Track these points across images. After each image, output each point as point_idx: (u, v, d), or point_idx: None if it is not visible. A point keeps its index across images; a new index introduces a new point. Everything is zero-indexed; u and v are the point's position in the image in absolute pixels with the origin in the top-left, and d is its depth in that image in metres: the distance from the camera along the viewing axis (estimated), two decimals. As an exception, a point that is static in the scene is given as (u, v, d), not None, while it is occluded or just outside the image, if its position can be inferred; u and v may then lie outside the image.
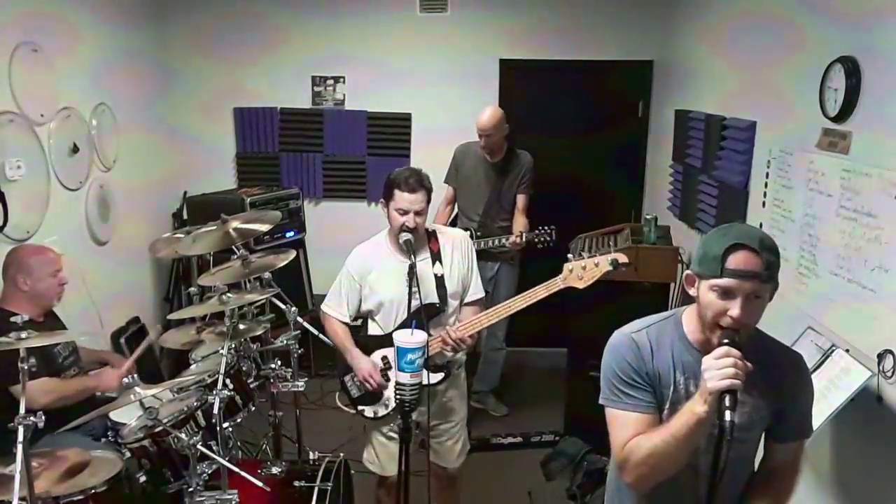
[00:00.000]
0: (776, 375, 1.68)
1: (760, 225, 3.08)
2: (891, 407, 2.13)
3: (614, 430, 1.73)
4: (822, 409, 2.20)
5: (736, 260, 1.52)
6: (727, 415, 1.43)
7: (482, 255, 4.06)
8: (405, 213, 2.65)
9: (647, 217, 3.98)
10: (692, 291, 1.65)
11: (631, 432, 1.67)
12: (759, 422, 1.69)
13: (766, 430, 1.76)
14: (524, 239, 4.11)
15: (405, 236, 2.65)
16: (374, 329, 2.85)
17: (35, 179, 3.49)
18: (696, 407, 1.51)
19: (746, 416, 1.65)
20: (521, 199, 4.32)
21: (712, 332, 1.58)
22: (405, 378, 2.13)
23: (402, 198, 2.64)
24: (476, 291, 2.88)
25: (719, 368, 1.45)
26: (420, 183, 2.66)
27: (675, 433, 1.54)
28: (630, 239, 3.91)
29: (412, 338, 2.11)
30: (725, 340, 1.51)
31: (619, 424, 1.71)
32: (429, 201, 2.72)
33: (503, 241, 4.17)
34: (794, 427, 1.74)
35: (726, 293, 1.53)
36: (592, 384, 2.02)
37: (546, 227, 4.08)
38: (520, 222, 4.28)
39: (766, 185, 3.06)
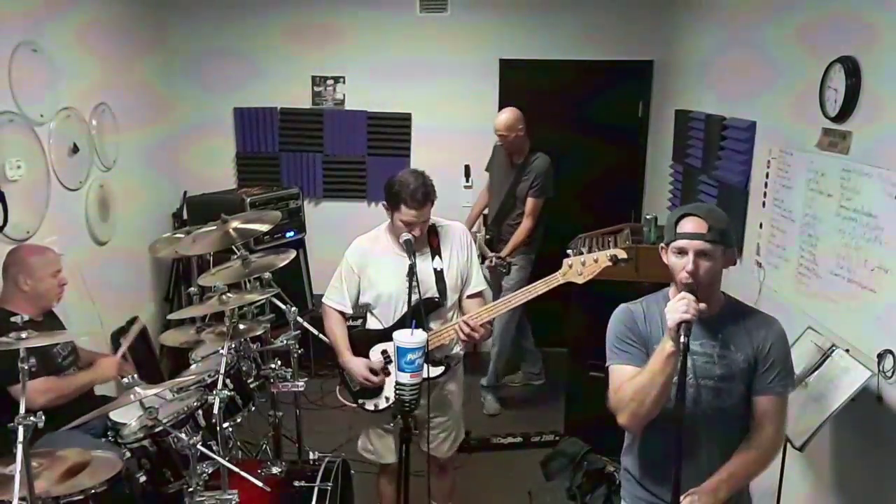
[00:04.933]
0: (752, 332, 1.95)
1: (760, 225, 3.09)
2: (891, 407, 2.13)
3: (612, 382, 2.00)
4: (822, 409, 2.21)
5: (685, 225, 1.89)
6: (682, 338, 1.74)
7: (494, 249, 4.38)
8: (411, 225, 2.64)
9: (647, 217, 3.98)
10: (665, 261, 1.96)
11: (623, 381, 1.95)
12: (739, 373, 1.93)
13: (747, 386, 1.94)
14: (493, 263, 4.31)
15: (406, 236, 2.65)
16: (373, 323, 2.86)
17: (35, 179, 3.49)
18: (664, 344, 1.83)
19: (726, 367, 1.93)
20: (528, 203, 4.35)
21: (679, 291, 1.88)
22: (405, 378, 2.13)
23: (409, 213, 2.62)
24: (477, 284, 2.87)
25: (676, 308, 1.78)
26: (427, 197, 2.63)
27: (651, 368, 1.85)
28: (630, 239, 3.91)
29: (412, 338, 2.11)
30: (686, 289, 1.83)
31: (615, 376, 1.99)
32: (432, 205, 2.71)
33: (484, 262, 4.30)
34: (768, 379, 1.93)
35: (681, 252, 1.88)
36: (592, 384, 2.06)
37: (504, 259, 4.31)
38: (524, 225, 4.35)
39: (766, 185, 3.06)
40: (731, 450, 1.96)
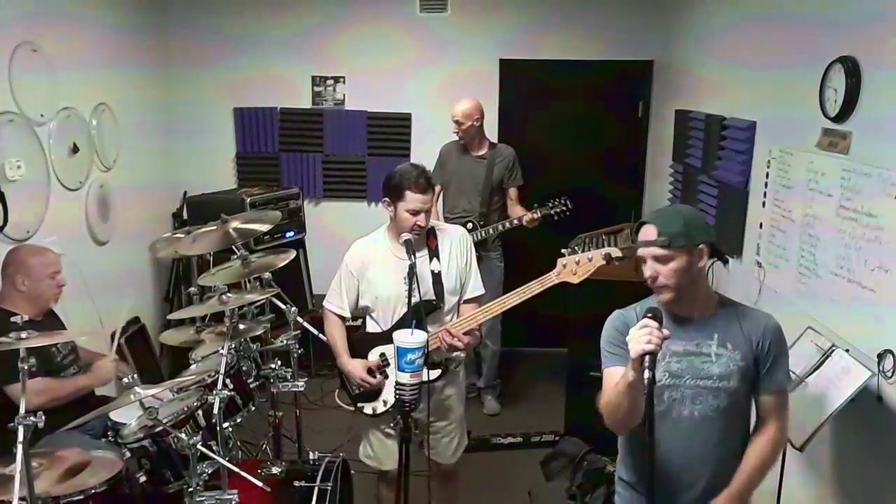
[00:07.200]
0: (749, 330, 1.94)
1: (760, 225, 3.09)
2: (891, 407, 2.14)
3: (604, 385, 1.98)
4: (823, 409, 2.21)
5: (640, 234, 1.95)
6: (646, 373, 1.68)
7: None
8: (417, 213, 2.65)
9: (648, 217, 3.98)
10: None
11: (606, 386, 1.95)
12: (737, 371, 1.92)
13: (748, 384, 1.94)
14: (540, 214, 4.18)
15: (407, 236, 2.65)
16: (372, 326, 2.85)
17: (35, 179, 3.49)
18: (626, 373, 1.79)
19: (724, 366, 1.92)
20: (513, 192, 4.41)
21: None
22: (405, 378, 2.13)
23: (415, 198, 2.63)
24: (475, 288, 2.87)
25: (638, 338, 1.71)
26: (428, 182, 2.67)
27: (618, 389, 1.84)
28: (630, 239, 3.91)
29: (412, 338, 2.11)
30: (648, 315, 1.76)
31: (606, 380, 1.98)
32: (434, 194, 2.74)
33: (515, 221, 4.23)
34: (771, 377, 1.94)
35: (643, 260, 1.92)
36: (592, 384, 2.06)
37: (559, 199, 4.16)
38: (517, 210, 4.35)
39: (766, 185, 3.06)
40: (735, 448, 1.96)
